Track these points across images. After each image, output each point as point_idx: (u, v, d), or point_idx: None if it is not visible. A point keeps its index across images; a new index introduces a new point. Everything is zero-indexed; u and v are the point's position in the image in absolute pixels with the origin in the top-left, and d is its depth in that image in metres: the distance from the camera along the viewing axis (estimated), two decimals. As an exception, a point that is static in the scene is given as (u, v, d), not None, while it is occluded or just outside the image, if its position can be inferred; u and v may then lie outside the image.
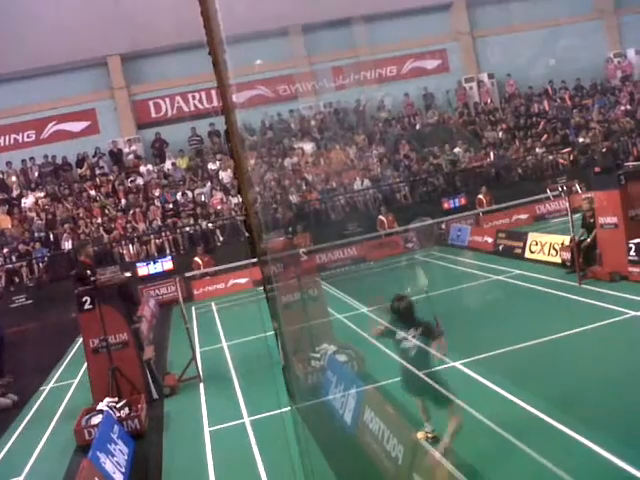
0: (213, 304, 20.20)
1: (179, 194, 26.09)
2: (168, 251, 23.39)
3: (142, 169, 28.04)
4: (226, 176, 27.11)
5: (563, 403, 8.31)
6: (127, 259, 22.97)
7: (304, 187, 26.09)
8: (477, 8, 32.22)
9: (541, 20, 30.53)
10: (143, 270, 21.87)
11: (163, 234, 24.09)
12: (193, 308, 19.70)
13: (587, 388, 8.83)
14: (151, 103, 30.22)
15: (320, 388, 10.30)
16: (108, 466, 8.30)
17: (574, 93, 31.80)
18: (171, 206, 25.50)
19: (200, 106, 30.48)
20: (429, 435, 7.68)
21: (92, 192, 26.67)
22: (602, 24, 33.45)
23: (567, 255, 15.49)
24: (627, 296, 12.49)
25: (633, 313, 11.50)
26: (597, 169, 14.98)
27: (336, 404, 9.32)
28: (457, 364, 10.47)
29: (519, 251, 18.65)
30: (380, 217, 23.62)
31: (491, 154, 27.25)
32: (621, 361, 9.49)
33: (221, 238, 24.18)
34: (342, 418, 8.91)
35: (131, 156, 28.72)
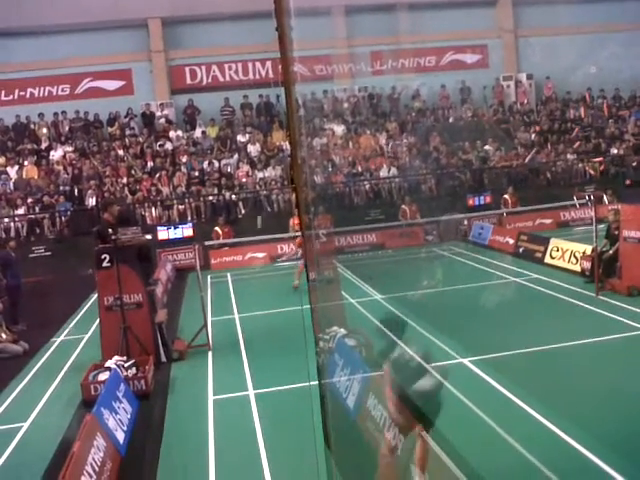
0: (229, 275, 20.30)
1: (206, 163, 26.18)
2: (189, 218, 23.51)
3: (172, 134, 28.12)
4: (254, 150, 27.14)
5: (564, 409, 8.31)
6: (148, 221, 23.13)
7: (330, 169, 26.04)
8: (523, 7, 31.65)
9: (587, 25, 29.90)
10: (163, 234, 21.98)
11: (186, 201, 24.23)
12: (209, 277, 19.79)
13: (590, 397, 8.80)
14: (187, 69, 30.18)
15: (325, 370, 10.33)
16: (111, 423, 8.43)
17: (612, 103, 31.32)
18: (197, 174, 25.61)
19: (235, 77, 30.41)
20: None
21: (120, 152, 26.81)
22: (650, 35, 32.86)
23: (587, 264, 15.38)
24: (643, 312, 12.39)
25: (648, 329, 11.42)
26: (628, 182, 14.78)
27: (340, 387, 9.36)
28: (465, 361, 10.49)
29: (539, 255, 18.53)
30: (403, 206, 23.51)
31: (527, 156, 26.96)
32: (627, 376, 9.42)
33: (243, 211, 24.30)
34: (345, 402, 8.95)
35: (162, 120, 28.79)
